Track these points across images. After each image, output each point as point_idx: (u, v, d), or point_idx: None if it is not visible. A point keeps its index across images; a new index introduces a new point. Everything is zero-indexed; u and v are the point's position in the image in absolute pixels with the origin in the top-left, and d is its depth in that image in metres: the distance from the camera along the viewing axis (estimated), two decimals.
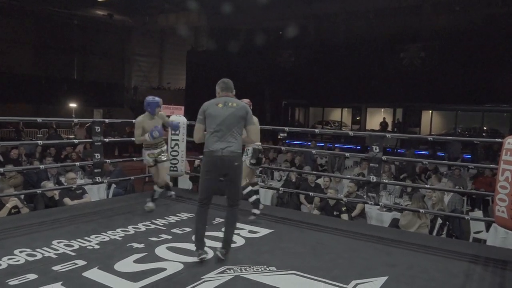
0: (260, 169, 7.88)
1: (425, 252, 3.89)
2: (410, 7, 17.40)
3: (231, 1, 18.87)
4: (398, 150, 14.88)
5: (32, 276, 2.97)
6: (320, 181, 7.09)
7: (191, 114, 5.32)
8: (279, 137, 16.75)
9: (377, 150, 4.75)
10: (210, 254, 3.54)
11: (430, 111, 18.20)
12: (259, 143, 4.60)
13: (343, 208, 5.73)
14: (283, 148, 7.16)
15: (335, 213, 5.76)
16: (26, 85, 19.09)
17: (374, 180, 4.77)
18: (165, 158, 5.00)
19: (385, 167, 7.48)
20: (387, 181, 5.89)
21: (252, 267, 3.30)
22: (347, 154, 5.94)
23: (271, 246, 3.85)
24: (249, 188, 4.69)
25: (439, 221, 5.34)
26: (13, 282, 2.87)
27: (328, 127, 20.00)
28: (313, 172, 7.18)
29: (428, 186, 5.95)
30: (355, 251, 3.83)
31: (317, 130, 6.92)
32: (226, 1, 18.82)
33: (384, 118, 18.71)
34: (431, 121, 18.13)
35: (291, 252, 3.71)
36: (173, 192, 5.52)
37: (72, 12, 21.63)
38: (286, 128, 5.98)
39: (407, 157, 9.59)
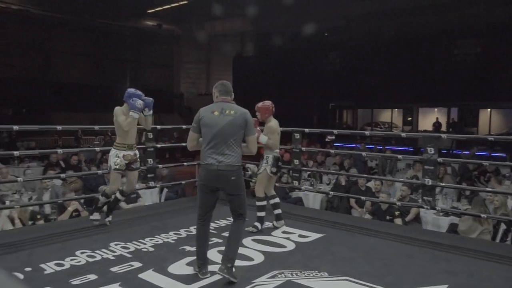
0: (308, 173, 7.80)
1: (488, 260, 3.65)
2: (463, 1, 16.57)
3: (276, 5, 18.91)
4: (454, 152, 14.16)
5: (92, 277, 3.12)
6: (371, 184, 6.90)
7: None
8: (327, 139, 16.53)
9: (432, 152, 4.54)
10: (261, 258, 3.54)
11: (489, 110, 17.20)
12: (278, 150, 4.47)
13: (396, 213, 5.53)
14: (332, 151, 7.04)
15: (387, 217, 5.57)
16: (84, 95, 20.21)
17: (430, 183, 4.56)
18: (138, 166, 4.46)
19: (440, 169, 7.14)
20: (443, 184, 5.61)
21: (303, 272, 3.26)
22: (399, 156, 5.73)
23: (322, 251, 3.79)
24: (264, 203, 4.41)
25: (503, 226, 5.01)
26: (75, 282, 3.02)
27: (378, 129, 19.45)
28: (364, 175, 6.99)
29: (490, 189, 5.60)
30: (411, 257, 3.67)
31: (367, 132, 6.70)
32: (271, 5, 18.90)
33: (437, 118, 17.91)
34: (490, 120, 17.12)
35: (343, 257, 3.63)
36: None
37: (124, 24, 22.67)
38: (335, 131, 5.88)
39: (465, 159, 9.09)
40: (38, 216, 5.32)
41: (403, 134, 5.74)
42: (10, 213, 5.10)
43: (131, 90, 4.33)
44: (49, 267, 3.28)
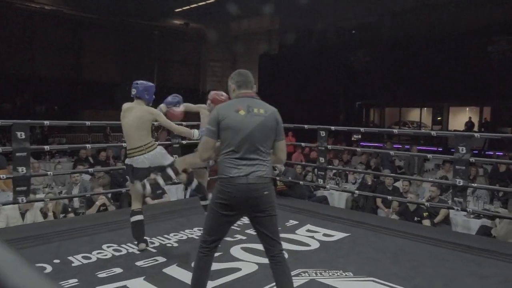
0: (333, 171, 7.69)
1: None
2: None
3: (304, 2, 18.77)
4: (486, 152, 13.68)
5: (118, 270, 3.16)
6: (398, 184, 6.74)
7: None
8: (353, 138, 16.30)
9: (464, 151, 4.38)
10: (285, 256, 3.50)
11: None
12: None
13: (425, 214, 5.38)
14: (358, 149, 6.91)
15: (415, 218, 5.42)
16: (112, 92, 20.67)
17: (461, 184, 4.41)
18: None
19: (472, 170, 6.90)
20: (475, 185, 5.41)
21: (327, 271, 3.20)
22: (429, 155, 5.56)
23: (348, 251, 3.72)
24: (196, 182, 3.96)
25: None
26: (101, 275, 3.07)
27: (406, 128, 19.02)
28: (391, 174, 6.84)
29: None
30: (440, 259, 3.55)
31: (395, 130, 6.54)
32: (299, 3, 18.76)
33: (470, 118, 17.35)
34: None
35: (369, 258, 3.55)
36: None
37: (152, 23, 23.02)
38: (362, 129, 5.77)
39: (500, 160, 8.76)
40: (69, 209, 5.47)
41: (433, 133, 5.57)
42: (45, 206, 5.25)
43: (146, 83, 3.70)
44: (77, 260, 3.35)
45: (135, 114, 3.53)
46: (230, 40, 27.18)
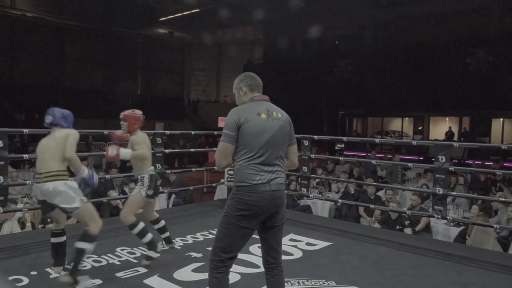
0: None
1: (500, 272, 3.56)
2: (476, 10, 16.45)
3: (286, 12, 18.99)
4: (466, 161, 13.96)
5: (98, 282, 3.10)
6: (380, 193, 6.81)
7: None
8: (336, 147, 16.44)
9: (444, 160, 4.46)
10: None
11: (502, 119, 16.96)
12: (152, 168, 3.67)
13: (406, 222, 5.43)
14: (341, 158, 6.96)
15: (397, 227, 5.48)
16: (95, 101, 20.41)
17: (441, 192, 4.48)
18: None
19: (452, 179, 7.02)
20: (455, 193, 5.51)
21: (310, 280, 3.20)
22: (410, 164, 5.65)
23: (330, 259, 3.73)
24: (142, 225, 3.52)
25: None
26: (80, 287, 3.00)
27: (388, 137, 19.30)
28: (374, 183, 6.91)
29: (503, 199, 5.47)
30: (421, 267, 3.59)
31: (377, 140, 6.63)
32: (281, 13, 18.97)
33: (450, 127, 17.72)
34: (502, 130, 16.86)
35: (351, 266, 3.56)
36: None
37: (136, 32, 22.93)
38: (345, 138, 5.83)
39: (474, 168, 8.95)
40: (49, 220, 5.34)
41: (414, 142, 5.67)
42: (23, 216, 5.12)
43: (58, 111, 3.27)
44: (54, 272, 3.27)
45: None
46: (215, 49, 27.28)
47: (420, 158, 15.13)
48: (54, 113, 3.23)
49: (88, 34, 21.66)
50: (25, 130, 4.47)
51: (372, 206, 5.54)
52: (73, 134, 3.15)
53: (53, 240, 3.30)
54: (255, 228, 2.30)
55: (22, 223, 5.09)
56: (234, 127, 2.25)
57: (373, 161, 6.15)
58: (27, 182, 5.16)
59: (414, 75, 16.48)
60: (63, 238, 3.33)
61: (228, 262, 2.27)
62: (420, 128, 19.11)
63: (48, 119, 3.22)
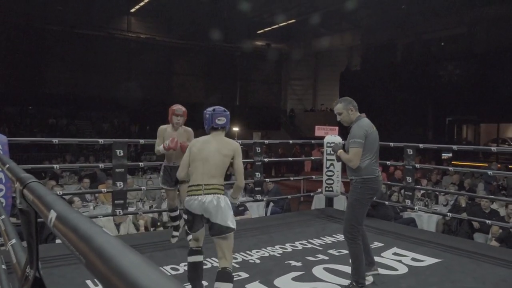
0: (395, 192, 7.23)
1: None
2: None
3: (386, 16, 18.27)
4: None
5: (204, 283, 3.26)
6: (495, 206, 6.12)
7: (345, 134, 5.06)
8: (443, 157, 15.21)
9: None
10: (370, 279, 3.34)
11: None
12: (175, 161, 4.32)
13: None
14: (451, 168, 6.40)
15: None
16: (198, 112, 21.81)
17: None
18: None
19: None
20: None
21: None
22: None
23: (440, 278, 3.44)
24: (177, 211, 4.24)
25: None
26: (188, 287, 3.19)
27: (506, 145, 17.30)
28: (490, 196, 6.23)
29: None
30: None
31: (493, 148, 5.97)
32: (380, 18, 18.30)
33: None
34: None
35: (466, 287, 3.24)
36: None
37: (235, 45, 24.04)
38: (454, 146, 5.38)
39: None
40: (158, 223, 5.82)
41: None
42: (136, 219, 5.66)
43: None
44: (166, 271, 3.52)
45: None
46: (311, 58, 27.31)
47: None
48: (228, 115, 2.90)
49: (193, 50, 23.32)
50: (141, 141, 4.94)
51: (488, 221, 4.99)
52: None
53: (191, 259, 2.89)
54: None
55: (136, 225, 5.62)
56: (364, 136, 3.14)
57: (490, 172, 5.55)
58: (142, 188, 5.69)
59: None
60: (201, 258, 2.98)
61: (360, 231, 3.17)
62: None
63: (221, 121, 2.88)
